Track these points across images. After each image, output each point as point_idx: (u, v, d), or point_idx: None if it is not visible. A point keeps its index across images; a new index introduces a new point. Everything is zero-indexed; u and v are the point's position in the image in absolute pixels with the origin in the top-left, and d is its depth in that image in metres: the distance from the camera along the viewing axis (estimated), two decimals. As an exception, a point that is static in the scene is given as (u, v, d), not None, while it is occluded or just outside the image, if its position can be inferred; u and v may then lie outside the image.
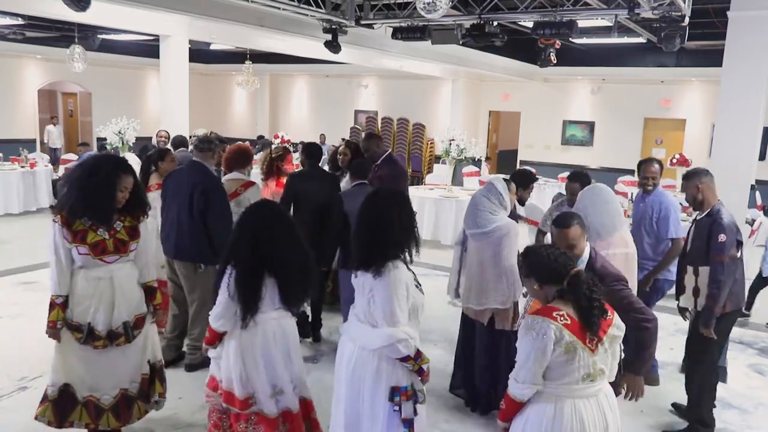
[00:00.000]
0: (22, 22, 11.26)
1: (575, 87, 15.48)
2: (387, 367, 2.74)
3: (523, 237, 7.43)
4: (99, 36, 12.68)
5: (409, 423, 2.76)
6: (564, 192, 5.12)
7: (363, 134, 15.89)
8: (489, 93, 16.66)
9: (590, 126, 15.41)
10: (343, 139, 6.62)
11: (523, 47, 11.79)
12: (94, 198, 3.15)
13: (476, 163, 12.34)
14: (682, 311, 4.16)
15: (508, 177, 4.41)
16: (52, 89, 18.06)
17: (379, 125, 17.49)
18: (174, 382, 4.17)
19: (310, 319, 5.33)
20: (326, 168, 6.12)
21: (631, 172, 10.99)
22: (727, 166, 6.89)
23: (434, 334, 5.45)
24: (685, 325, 4.25)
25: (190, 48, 10.00)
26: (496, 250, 3.87)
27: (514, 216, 4.18)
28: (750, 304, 6.17)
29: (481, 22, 7.65)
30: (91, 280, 3.22)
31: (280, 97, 19.50)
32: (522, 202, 4.60)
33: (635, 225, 4.66)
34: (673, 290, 4.38)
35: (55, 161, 13.89)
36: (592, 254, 3.14)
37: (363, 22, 8.35)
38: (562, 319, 2.33)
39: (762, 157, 10.48)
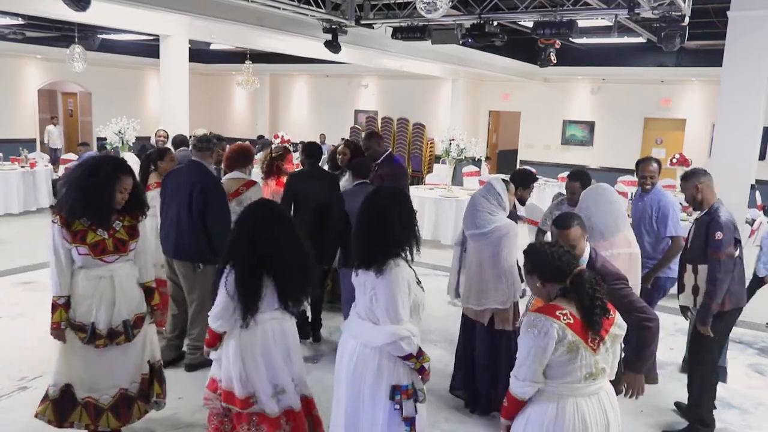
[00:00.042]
0: (22, 22, 11.26)
1: (575, 87, 15.48)
2: (388, 364, 2.74)
3: (524, 237, 7.44)
4: (99, 36, 12.68)
5: (410, 421, 2.77)
6: (564, 192, 5.12)
7: (363, 134, 15.95)
8: (489, 93, 16.66)
9: (590, 126, 15.41)
10: (343, 139, 6.63)
11: (523, 47, 11.78)
12: (94, 198, 3.15)
13: (476, 163, 12.35)
14: (683, 310, 4.17)
15: (507, 177, 4.41)
16: (52, 89, 18.06)
17: (379, 125, 17.49)
18: (174, 382, 4.17)
19: (310, 320, 5.32)
20: (326, 167, 6.12)
21: (631, 172, 10.99)
22: (727, 166, 6.90)
23: (434, 334, 5.45)
24: (685, 324, 4.25)
25: (190, 48, 10.01)
26: (495, 250, 3.87)
27: (513, 216, 4.18)
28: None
29: (481, 22, 7.65)
30: (92, 279, 3.23)
31: (280, 97, 19.50)
32: (522, 202, 4.60)
33: (635, 224, 4.67)
34: (674, 289, 4.38)
35: (55, 161, 13.89)
36: (592, 254, 3.15)
37: (363, 22, 8.35)
38: (565, 318, 2.32)
39: (762, 157, 10.49)
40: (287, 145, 8.84)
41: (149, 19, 8.65)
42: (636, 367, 2.86)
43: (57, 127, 17.04)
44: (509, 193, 4.03)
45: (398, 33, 8.09)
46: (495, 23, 7.76)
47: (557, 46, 9.79)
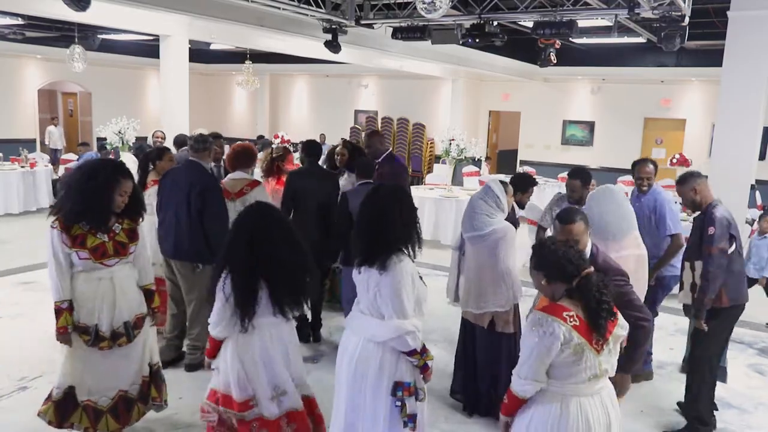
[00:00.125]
0: (22, 22, 11.26)
1: (575, 87, 15.48)
2: (391, 359, 2.75)
3: (524, 237, 7.44)
4: (99, 36, 12.67)
5: (412, 419, 2.77)
6: (564, 192, 5.11)
7: (363, 133, 15.94)
8: (489, 93, 16.65)
9: (590, 126, 15.40)
10: (343, 139, 6.63)
11: (523, 47, 11.78)
12: (93, 202, 3.15)
13: (476, 162, 12.36)
14: (685, 309, 4.17)
15: (506, 179, 4.40)
16: (52, 89, 18.06)
17: (379, 125, 17.48)
18: (174, 382, 4.17)
19: (309, 321, 5.32)
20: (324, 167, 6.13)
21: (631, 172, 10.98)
22: (727, 166, 6.89)
23: (434, 334, 5.44)
24: (685, 325, 4.25)
25: (190, 48, 10.00)
26: (493, 253, 3.87)
27: (513, 219, 4.17)
28: None
29: (481, 22, 7.65)
30: (92, 281, 3.23)
31: (280, 97, 19.50)
32: (521, 206, 4.59)
33: None
34: (675, 288, 4.39)
35: (55, 162, 13.89)
36: (593, 250, 3.15)
37: (363, 22, 8.35)
38: (571, 320, 2.32)
39: (762, 157, 10.48)
40: (288, 146, 8.83)
41: (149, 19, 8.65)
42: (625, 368, 2.86)
43: (57, 128, 17.03)
44: (508, 195, 4.02)
45: (398, 33, 8.09)
46: (495, 23, 7.75)
47: (557, 46, 9.78)
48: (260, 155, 8.50)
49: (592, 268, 2.46)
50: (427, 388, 2.93)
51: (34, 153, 12.60)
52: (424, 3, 6.37)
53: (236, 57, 16.45)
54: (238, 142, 5.32)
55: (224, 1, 7.46)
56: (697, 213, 3.98)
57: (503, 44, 8.52)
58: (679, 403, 4.35)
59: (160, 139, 8.40)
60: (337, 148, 6.03)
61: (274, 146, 8.04)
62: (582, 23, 7.85)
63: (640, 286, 3.69)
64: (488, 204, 3.92)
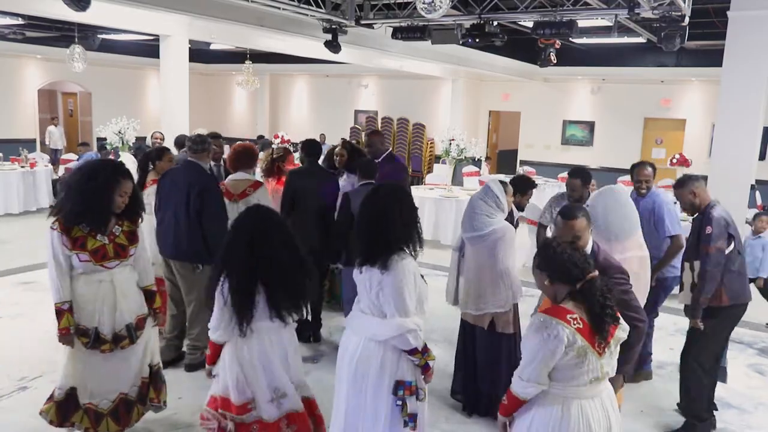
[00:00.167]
0: (22, 22, 11.26)
1: (575, 87, 15.47)
2: (392, 358, 2.75)
3: (524, 237, 7.44)
4: (99, 36, 12.67)
5: (413, 418, 2.77)
6: (564, 191, 5.11)
7: (363, 133, 15.94)
8: (489, 93, 16.65)
9: (590, 126, 15.40)
10: (342, 140, 6.63)
11: (523, 47, 11.78)
12: (93, 203, 3.15)
13: (476, 162, 12.35)
14: (686, 309, 4.18)
15: (506, 179, 4.40)
16: (52, 89, 18.06)
17: (379, 125, 17.48)
18: (174, 382, 4.17)
19: (309, 320, 5.32)
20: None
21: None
22: (727, 166, 6.89)
23: (434, 333, 5.44)
24: (685, 325, 4.24)
25: (190, 48, 10.00)
26: (492, 253, 3.87)
27: (511, 221, 4.17)
28: None
29: (481, 22, 7.65)
30: (93, 283, 3.23)
31: (280, 97, 19.50)
32: (520, 208, 4.59)
33: None
34: (675, 289, 4.40)
35: (55, 162, 13.88)
36: (594, 248, 3.15)
37: (363, 22, 8.35)
38: (575, 323, 2.32)
39: (762, 157, 10.48)
40: (288, 146, 8.83)
41: (149, 19, 8.65)
42: (618, 368, 2.86)
43: (58, 128, 17.04)
44: (507, 195, 4.03)
45: (398, 33, 8.09)
46: (495, 23, 7.75)
47: (557, 46, 9.78)
48: (261, 155, 8.51)
49: (596, 272, 2.45)
50: (428, 388, 2.93)
51: (34, 153, 12.60)
52: (424, 3, 6.37)
53: (236, 57, 16.45)
54: (239, 142, 5.32)
55: (224, 1, 7.46)
56: (696, 214, 3.99)
57: (503, 44, 8.52)
58: (678, 404, 4.35)
59: (158, 140, 8.40)
60: (337, 149, 6.03)
61: (274, 146, 8.04)
62: (582, 23, 7.85)
63: (642, 288, 3.69)
64: (488, 204, 3.92)
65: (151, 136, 9.01)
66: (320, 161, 5.82)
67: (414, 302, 2.75)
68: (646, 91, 14.43)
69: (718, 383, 4.37)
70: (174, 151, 6.16)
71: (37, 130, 16.27)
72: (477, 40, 7.85)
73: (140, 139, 10.77)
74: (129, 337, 3.31)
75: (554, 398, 2.38)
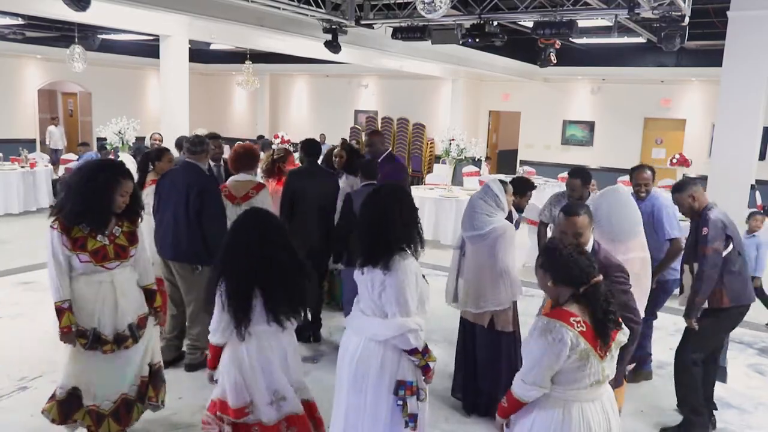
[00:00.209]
0: (22, 22, 11.26)
1: (575, 87, 15.47)
2: (392, 357, 2.75)
3: (524, 237, 7.45)
4: (99, 36, 12.68)
5: (413, 418, 2.77)
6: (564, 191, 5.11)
7: (363, 133, 15.94)
8: (489, 93, 16.65)
9: (590, 126, 15.40)
10: (342, 141, 6.63)
11: (523, 47, 11.78)
12: (93, 203, 3.15)
13: (476, 163, 12.35)
14: None
15: (506, 179, 4.41)
16: (52, 89, 18.07)
17: (379, 125, 17.48)
18: (174, 382, 4.17)
19: (310, 320, 5.32)
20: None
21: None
22: (727, 166, 6.89)
23: (435, 334, 5.44)
24: (684, 325, 4.25)
25: (190, 48, 10.01)
26: (492, 251, 3.88)
27: (512, 221, 4.17)
28: None
29: (481, 22, 7.65)
30: (93, 284, 3.23)
31: (280, 97, 19.50)
32: (519, 209, 4.60)
33: None
34: (677, 291, 4.41)
35: (55, 162, 13.88)
36: (595, 246, 3.15)
37: (363, 22, 8.35)
38: (578, 326, 2.32)
39: (762, 157, 10.48)
40: (288, 147, 8.83)
41: (149, 19, 8.65)
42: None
43: (58, 128, 17.04)
44: (507, 195, 4.04)
45: (398, 33, 8.09)
46: (495, 23, 7.75)
47: (557, 46, 9.78)
48: (262, 156, 8.51)
49: (600, 276, 2.44)
50: (428, 389, 2.93)
51: (34, 153, 12.60)
52: (424, 3, 6.37)
53: (236, 57, 16.46)
54: (241, 143, 5.31)
55: (224, 1, 7.46)
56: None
57: (503, 44, 8.52)
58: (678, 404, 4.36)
59: (157, 142, 8.41)
60: (336, 150, 6.03)
61: (275, 147, 8.04)
62: (582, 23, 7.86)
63: (644, 289, 3.69)
64: (488, 203, 3.93)
65: (150, 137, 9.01)
66: (319, 161, 5.83)
67: (415, 302, 2.76)
68: (646, 91, 14.43)
69: (719, 383, 4.38)
70: (174, 152, 6.16)
71: (37, 130, 16.27)
72: (477, 40, 7.85)
73: (140, 140, 10.77)
74: (132, 336, 3.32)
75: (555, 401, 2.38)
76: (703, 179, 7.32)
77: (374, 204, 2.87)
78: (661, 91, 14.28)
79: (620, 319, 2.44)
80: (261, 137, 15.24)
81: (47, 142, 16.44)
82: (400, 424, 2.78)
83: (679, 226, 4.59)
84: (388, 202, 2.83)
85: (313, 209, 5.06)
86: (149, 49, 13.65)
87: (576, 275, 2.39)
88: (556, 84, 15.48)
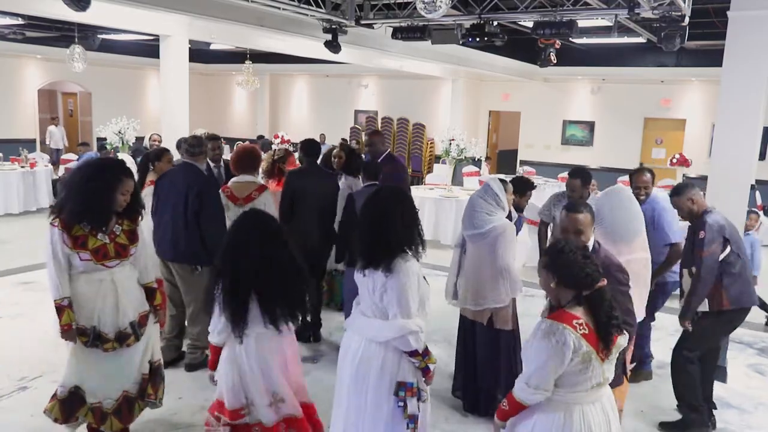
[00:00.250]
0: (22, 22, 11.26)
1: (575, 87, 15.47)
2: (393, 359, 2.76)
3: (524, 236, 7.44)
4: (99, 36, 12.67)
5: (413, 419, 2.78)
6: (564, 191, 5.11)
7: (363, 133, 15.94)
8: (489, 93, 16.65)
9: (590, 126, 15.40)
10: (343, 139, 6.63)
11: (523, 47, 11.78)
12: (94, 202, 3.15)
13: (476, 163, 12.35)
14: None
15: (506, 178, 4.42)
16: (52, 89, 18.07)
17: (379, 125, 17.48)
18: (174, 382, 4.17)
19: (309, 320, 5.32)
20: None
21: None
22: (727, 166, 6.87)
23: (435, 334, 5.44)
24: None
25: (190, 48, 10.00)
26: (492, 249, 3.89)
27: (511, 221, 4.17)
28: None
29: (481, 22, 7.65)
30: (93, 282, 3.23)
31: (280, 97, 19.50)
32: (519, 209, 4.60)
33: None
34: (676, 291, 4.42)
35: (56, 161, 13.88)
36: (596, 246, 3.15)
37: (363, 22, 8.34)
38: (581, 328, 2.31)
39: (762, 157, 10.48)
40: (289, 147, 8.83)
41: (149, 19, 8.65)
42: None
43: (59, 128, 17.05)
44: (507, 193, 4.05)
45: (398, 33, 8.08)
46: (495, 23, 7.75)
47: (557, 46, 9.78)
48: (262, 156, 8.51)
49: (605, 281, 2.44)
50: (428, 389, 2.93)
51: (34, 153, 12.60)
52: (424, 3, 6.37)
53: (236, 57, 16.45)
54: (242, 144, 5.31)
55: (224, 1, 7.46)
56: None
57: (503, 44, 8.52)
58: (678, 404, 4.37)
59: (156, 143, 8.41)
60: (335, 151, 6.04)
61: (275, 147, 8.04)
62: (582, 23, 7.85)
63: (643, 288, 3.69)
64: (488, 202, 3.95)
65: (149, 138, 9.00)
66: (318, 162, 5.83)
67: (416, 304, 2.76)
68: (646, 91, 14.43)
69: (719, 383, 4.38)
70: (175, 153, 6.16)
71: (37, 130, 16.28)
72: (477, 39, 7.85)
73: (140, 140, 10.76)
74: (134, 334, 3.32)
75: (557, 405, 2.37)
76: (703, 179, 7.31)
77: (375, 205, 2.87)
78: (661, 91, 14.28)
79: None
80: (261, 137, 15.24)
81: (47, 142, 16.44)
82: (400, 424, 2.78)
83: (679, 231, 4.60)
84: (389, 203, 2.84)
85: (313, 209, 5.06)
86: (149, 49, 13.65)
87: (581, 280, 2.38)
88: (556, 84, 15.48)
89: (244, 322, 2.72)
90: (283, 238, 2.87)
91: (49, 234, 3.15)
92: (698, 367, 4.04)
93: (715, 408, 4.23)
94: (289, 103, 19.39)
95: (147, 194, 4.69)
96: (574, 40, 11.16)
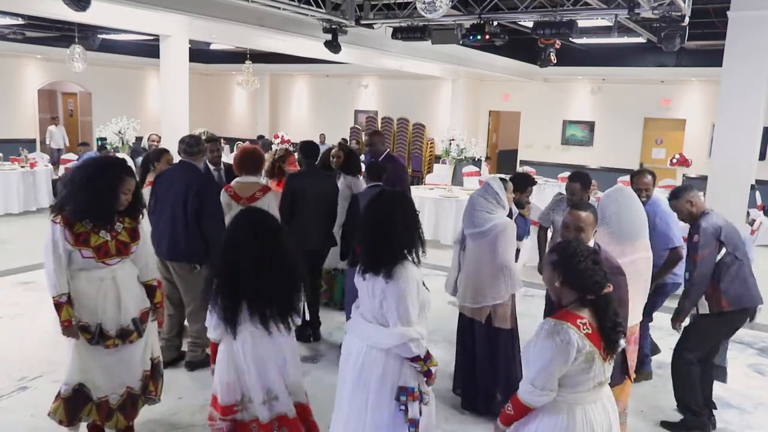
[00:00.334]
0: (22, 22, 11.26)
1: (575, 87, 15.48)
2: (394, 365, 2.76)
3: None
4: (99, 36, 12.67)
5: (414, 423, 2.78)
6: (564, 192, 5.11)
7: (363, 133, 15.94)
8: (489, 93, 16.66)
9: (590, 126, 15.40)
10: (343, 139, 6.63)
11: (523, 47, 11.78)
12: (97, 200, 3.14)
13: (476, 163, 12.35)
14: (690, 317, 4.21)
15: (506, 177, 4.43)
16: (52, 89, 18.07)
17: (379, 125, 17.48)
18: (174, 382, 4.18)
19: (308, 320, 5.32)
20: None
21: (631, 171, 10.98)
22: (727, 166, 6.89)
23: (435, 334, 5.44)
24: (685, 325, 4.25)
25: (190, 48, 10.00)
26: (492, 247, 3.90)
27: (512, 218, 4.19)
28: None
29: (481, 22, 7.65)
30: (94, 280, 3.23)
31: (280, 97, 19.50)
32: (520, 205, 4.60)
33: None
34: (676, 291, 4.43)
35: (56, 161, 13.89)
36: (596, 247, 3.14)
37: (363, 22, 8.35)
38: (584, 328, 2.31)
39: (762, 157, 10.48)
40: (289, 148, 8.83)
41: (149, 19, 8.65)
42: None
43: (59, 128, 17.04)
44: (507, 192, 4.06)
45: (398, 33, 8.09)
46: (495, 23, 7.75)
47: (557, 46, 9.78)
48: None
49: (611, 287, 2.43)
50: (431, 390, 2.93)
51: (34, 153, 12.60)
52: (424, 3, 6.38)
53: (236, 57, 16.46)
54: (245, 145, 5.30)
55: (224, 1, 7.46)
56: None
57: (503, 44, 8.52)
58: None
59: (155, 143, 8.41)
60: (333, 151, 6.04)
61: (276, 147, 8.04)
62: (582, 23, 7.86)
63: (642, 288, 3.69)
64: (488, 201, 3.96)
65: (148, 138, 9.00)
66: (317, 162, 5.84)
67: (416, 311, 2.76)
68: (646, 91, 14.43)
69: (719, 383, 4.38)
70: (175, 154, 6.16)
71: (37, 130, 16.28)
72: (478, 37, 7.85)
73: (139, 140, 10.76)
74: (137, 330, 3.33)
75: (559, 405, 2.36)
76: (703, 179, 7.32)
77: (377, 206, 2.88)
78: (661, 91, 14.28)
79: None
80: (261, 137, 15.24)
81: (48, 142, 16.44)
82: (401, 428, 2.78)
83: (679, 235, 4.61)
84: (390, 205, 2.84)
85: (313, 210, 5.06)
86: (149, 49, 13.65)
87: (589, 284, 2.37)
88: (556, 84, 15.48)
89: (235, 319, 2.71)
90: (283, 238, 2.86)
91: (51, 230, 3.14)
92: (699, 369, 4.04)
93: (715, 408, 4.24)
94: (289, 103, 19.39)
95: (146, 194, 4.69)
96: (574, 40, 11.17)
